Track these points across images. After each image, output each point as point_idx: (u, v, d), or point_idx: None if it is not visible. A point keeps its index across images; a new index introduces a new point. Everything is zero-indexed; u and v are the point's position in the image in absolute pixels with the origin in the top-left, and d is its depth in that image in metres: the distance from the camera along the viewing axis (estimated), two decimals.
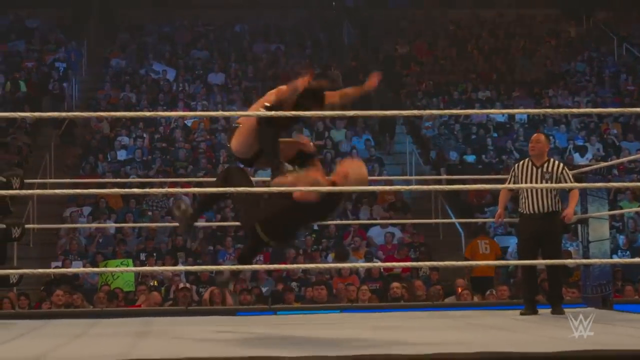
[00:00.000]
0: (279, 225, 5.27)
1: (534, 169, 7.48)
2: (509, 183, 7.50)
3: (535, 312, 7.37)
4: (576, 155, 17.96)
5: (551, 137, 18.56)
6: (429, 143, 18.89)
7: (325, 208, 5.22)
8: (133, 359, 4.38)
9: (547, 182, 7.30)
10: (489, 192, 15.89)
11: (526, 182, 7.36)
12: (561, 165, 7.55)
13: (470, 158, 18.06)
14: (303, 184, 5.10)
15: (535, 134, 7.77)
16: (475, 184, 11.84)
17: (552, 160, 7.59)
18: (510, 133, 19.03)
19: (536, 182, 7.33)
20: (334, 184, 5.24)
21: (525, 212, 7.45)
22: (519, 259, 7.54)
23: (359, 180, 5.25)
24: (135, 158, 17.54)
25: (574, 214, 7.47)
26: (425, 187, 11.77)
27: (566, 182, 7.36)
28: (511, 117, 19.51)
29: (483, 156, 18.13)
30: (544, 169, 7.47)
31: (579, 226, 8.82)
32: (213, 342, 5.65)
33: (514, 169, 7.59)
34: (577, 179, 8.27)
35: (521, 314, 7.34)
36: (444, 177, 14.49)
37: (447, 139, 18.76)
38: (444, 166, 17.51)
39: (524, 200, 7.47)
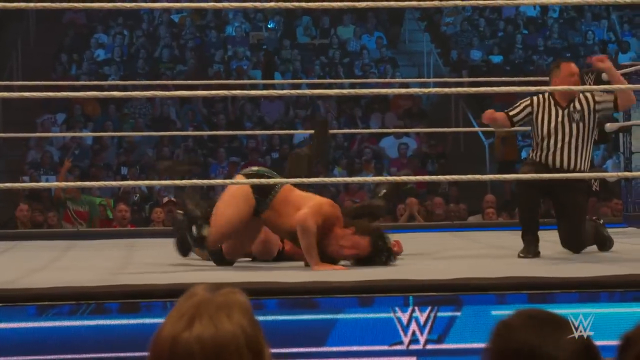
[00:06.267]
0: None
1: (559, 110, 6.16)
2: (515, 113, 6.20)
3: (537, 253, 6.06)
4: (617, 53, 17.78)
5: (589, 33, 18.38)
6: (450, 41, 18.72)
7: None
8: (115, 284, 4.37)
9: (577, 125, 6.13)
10: (517, 97, 15.76)
11: (549, 128, 6.11)
12: (594, 97, 6.16)
13: (497, 58, 17.91)
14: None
15: (566, 64, 6.28)
16: (502, 87, 11.73)
17: (581, 94, 6.22)
18: (542, 29, 18.83)
19: (562, 128, 6.11)
20: None
21: (538, 162, 6.18)
22: (520, 208, 6.27)
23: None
24: (115, 58, 17.42)
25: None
26: (445, 90, 11.66)
27: (608, 110, 6.21)
28: (544, 10, 19.28)
29: (511, 56, 17.98)
30: (572, 108, 6.15)
31: (620, 135, 8.76)
32: (197, 267, 5.64)
33: (530, 103, 6.21)
34: (608, 114, 7.82)
35: (520, 255, 6.02)
36: (467, 79, 14.38)
37: (470, 37, 18.58)
38: (466, 68, 17.36)
39: (540, 151, 6.18)
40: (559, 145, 6.10)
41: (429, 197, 12.26)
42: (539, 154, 6.17)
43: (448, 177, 5.64)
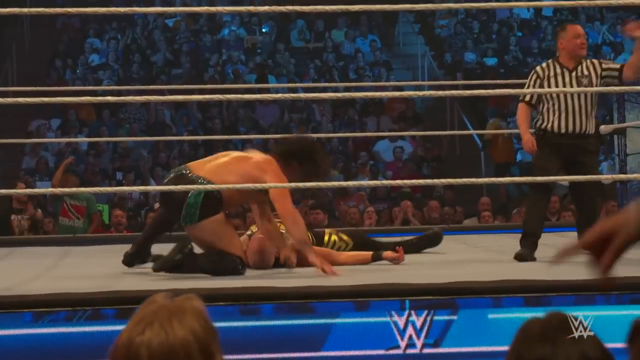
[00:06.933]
0: None
1: (566, 74, 6.24)
2: (530, 95, 6.28)
3: (533, 258, 6.01)
4: (611, 55, 17.79)
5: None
6: (444, 44, 18.73)
7: None
8: (111, 290, 4.37)
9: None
10: (512, 99, 15.79)
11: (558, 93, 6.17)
12: (600, 63, 6.33)
13: (491, 61, 17.92)
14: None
15: (572, 26, 6.42)
16: (496, 89, 11.74)
17: (585, 60, 6.32)
18: (536, 31, 18.85)
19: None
20: None
21: (550, 130, 6.23)
22: (531, 192, 6.34)
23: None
24: (109, 62, 17.41)
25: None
26: (439, 92, 11.66)
27: (613, 78, 6.28)
28: (537, 12, 19.30)
29: (505, 57, 17.99)
30: (579, 72, 6.25)
31: (615, 137, 8.78)
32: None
33: (537, 75, 6.29)
34: (612, 83, 8.00)
35: (516, 257, 6.00)
36: (461, 82, 14.37)
37: (464, 39, 18.59)
38: (460, 70, 17.37)
39: (550, 115, 6.22)
40: (570, 108, 6.17)
41: (425, 201, 12.26)
42: (549, 118, 6.21)
43: (443, 180, 5.64)
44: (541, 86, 6.23)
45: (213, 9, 5.20)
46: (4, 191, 5.84)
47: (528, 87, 6.29)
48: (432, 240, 6.76)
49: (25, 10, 5.03)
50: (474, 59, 18.06)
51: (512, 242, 6.21)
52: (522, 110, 6.30)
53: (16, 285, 4.89)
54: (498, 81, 11.53)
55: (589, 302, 4.25)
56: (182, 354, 1.76)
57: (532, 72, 6.36)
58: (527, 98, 6.26)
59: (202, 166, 5.65)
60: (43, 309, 4.12)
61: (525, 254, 5.93)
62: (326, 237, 6.31)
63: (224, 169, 5.60)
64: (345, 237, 6.40)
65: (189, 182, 5.43)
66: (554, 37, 18.16)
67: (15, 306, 4.14)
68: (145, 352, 1.76)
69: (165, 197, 5.62)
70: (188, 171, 5.58)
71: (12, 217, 10.26)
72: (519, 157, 15.06)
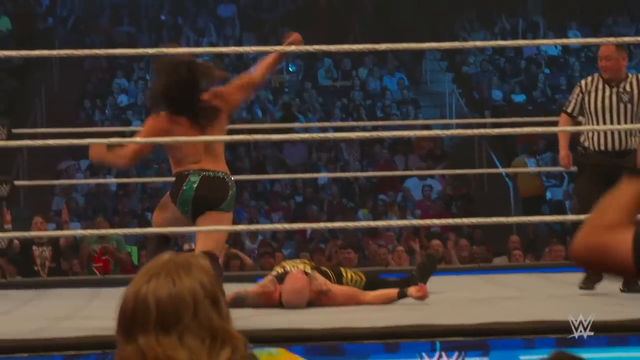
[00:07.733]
0: None
1: (607, 89, 6.31)
2: (572, 107, 6.39)
3: (594, 284, 6.12)
4: None
5: None
6: (471, 81, 18.74)
7: None
8: None
9: (625, 107, 6.26)
10: (541, 137, 15.76)
11: (596, 107, 6.26)
12: None
13: (519, 98, 17.91)
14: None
15: (603, 47, 6.47)
16: (524, 127, 11.72)
17: (632, 76, 6.38)
18: (564, 68, 18.83)
19: (609, 106, 6.27)
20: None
21: (590, 147, 6.30)
22: (579, 205, 6.49)
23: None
24: (138, 103, 17.53)
25: None
26: (467, 131, 11.68)
27: None
28: (565, 49, 19.29)
29: (533, 94, 17.97)
30: (621, 89, 6.30)
31: None
32: None
33: (580, 87, 6.41)
34: None
35: (581, 287, 6.15)
36: (489, 120, 14.37)
37: (491, 76, 18.60)
38: (488, 108, 17.36)
39: (590, 132, 6.31)
40: (608, 124, 6.22)
41: (454, 239, 12.20)
42: (590, 134, 6.29)
43: (473, 220, 5.63)
44: (582, 100, 6.35)
45: (240, 49, 5.27)
46: (33, 233, 5.87)
47: (571, 100, 6.43)
48: (431, 262, 6.67)
49: (54, 52, 5.10)
50: (501, 96, 18.05)
51: (542, 282, 6.17)
52: (563, 122, 6.44)
53: (46, 327, 4.90)
54: (526, 119, 11.53)
55: (622, 343, 4.21)
56: (190, 300, 1.79)
57: (577, 84, 6.50)
58: (570, 109, 6.38)
59: (208, 161, 5.66)
60: (73, 352, 4.12)
61: (590, 282, 6.04)
62: (344, 274, 6.33)
63: (211, 146, 5.65)
64: (360, 273, 6.46)
65: (221, 181, 5.50)
66: (582, 73, 18.19)
67: (45, 349, 4.15)
68: (153, 300, 1.79)
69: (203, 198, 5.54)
70: (206, 172, 5.59)
71: (34, 248, 10.31)
72: (548, 195, 15.00)
